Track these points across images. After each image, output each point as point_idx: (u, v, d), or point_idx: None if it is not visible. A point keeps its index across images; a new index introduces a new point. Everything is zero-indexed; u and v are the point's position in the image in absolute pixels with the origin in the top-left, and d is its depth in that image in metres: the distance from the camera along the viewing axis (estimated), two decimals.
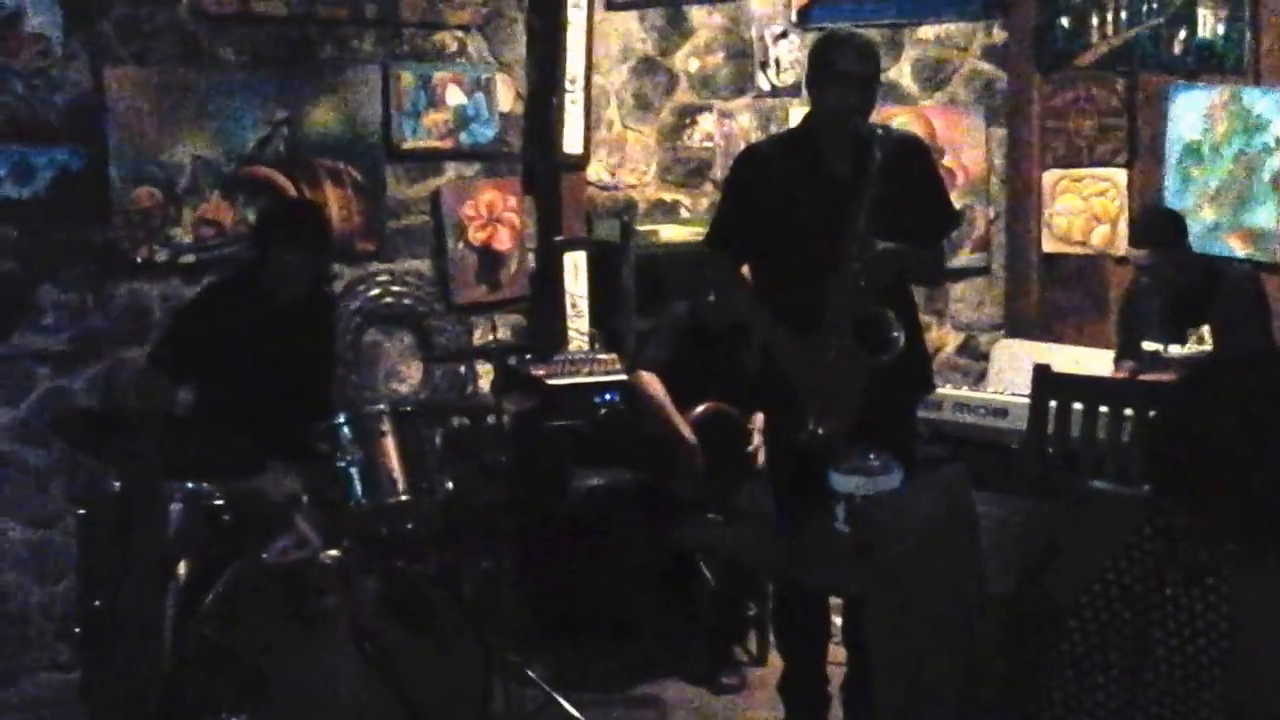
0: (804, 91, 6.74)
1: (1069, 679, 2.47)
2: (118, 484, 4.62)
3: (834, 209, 4.38)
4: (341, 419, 4.76)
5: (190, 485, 4.52)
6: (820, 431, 4.31)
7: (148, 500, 4.39)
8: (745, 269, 4.77)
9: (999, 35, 7.23)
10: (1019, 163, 7.26)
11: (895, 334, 4.34)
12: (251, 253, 5.15)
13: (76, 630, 4.71)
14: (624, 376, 5.90)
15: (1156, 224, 5.93)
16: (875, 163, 4.30)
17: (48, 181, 5.62)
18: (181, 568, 4.47)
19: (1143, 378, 5.72)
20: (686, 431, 5.56)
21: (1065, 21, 6.91)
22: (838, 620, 5.07)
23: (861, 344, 4.33)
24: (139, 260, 5.78)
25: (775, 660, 5.04)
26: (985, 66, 7.25)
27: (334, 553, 4.48)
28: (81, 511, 4.77)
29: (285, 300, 4.96)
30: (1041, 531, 3.39)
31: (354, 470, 4.68)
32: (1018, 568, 2.83)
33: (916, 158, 4.67)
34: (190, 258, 5.85)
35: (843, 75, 4.40)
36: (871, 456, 3.81)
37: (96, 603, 4.59)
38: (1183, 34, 6.46)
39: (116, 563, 4.54)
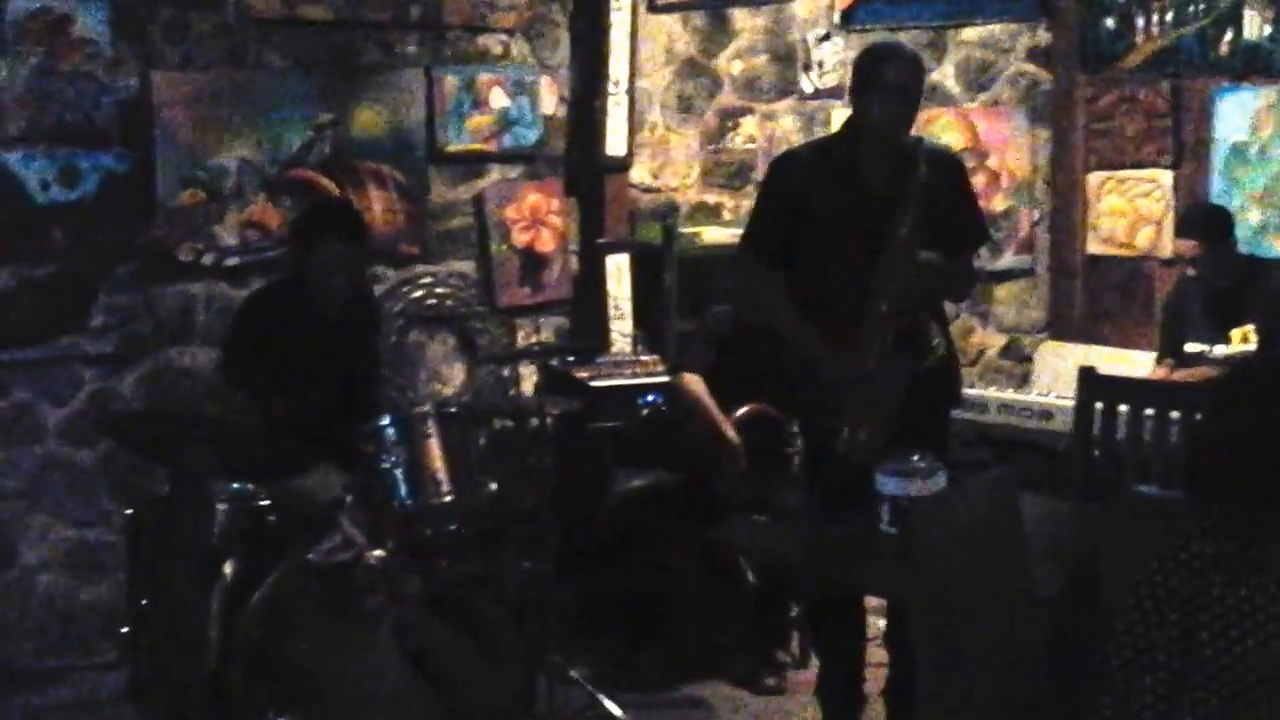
0: (846, 96, 6.85)
1: (1116, 681, 2.46)
2: (165, 484, 4.66)
3: (871, 219, 4.38)
4: (386, 421, 4.76)
5: (236, 486, 4.54)
6: (859, 438, 4.32)
7: (195, 500, 4.43)
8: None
9: (1043, 36, 7.19)
10: (1063, 164, 7.22)
11: (935, 341, 4.34)
12: (292, 253, 5.11)
13: (124, 629, 4.74)
14: (667, 378, 5.91)
15: (1204, 217, 5.92)
16: (920, 176, 4.30)
17: (95, 184, 5.67)
18: (227, 567, 4.48)
19: (1180, 376, 5.70)
20: (730, 431, 5.55)
21: (1110, 22, 6.87)
22: (879, 622, 5.07)
23: (901, 351, 4.33)
24: (185, 262, 5.82)
25: (817, 662, 5.04)
26: (1030, 68, 7.22)
27: (378, 553, 4.49)
28: (129, 511, 4.80)
29: (329, 301, 4.97)
30: (1087, 534, 3.39)
31: (398, 472, 4.68)
32: (1064, 570, 2.83)
33: (953, 173, 4.68)
34: (235, 260, 5.89)
35: (890, 87, 4.39)
36: (916, 458, 3.81)
37: (144, 602, 4.63)
38: (1229, 35, 6.42)
39: (163, 562, 4.58)
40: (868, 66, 4.52)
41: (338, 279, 4.90)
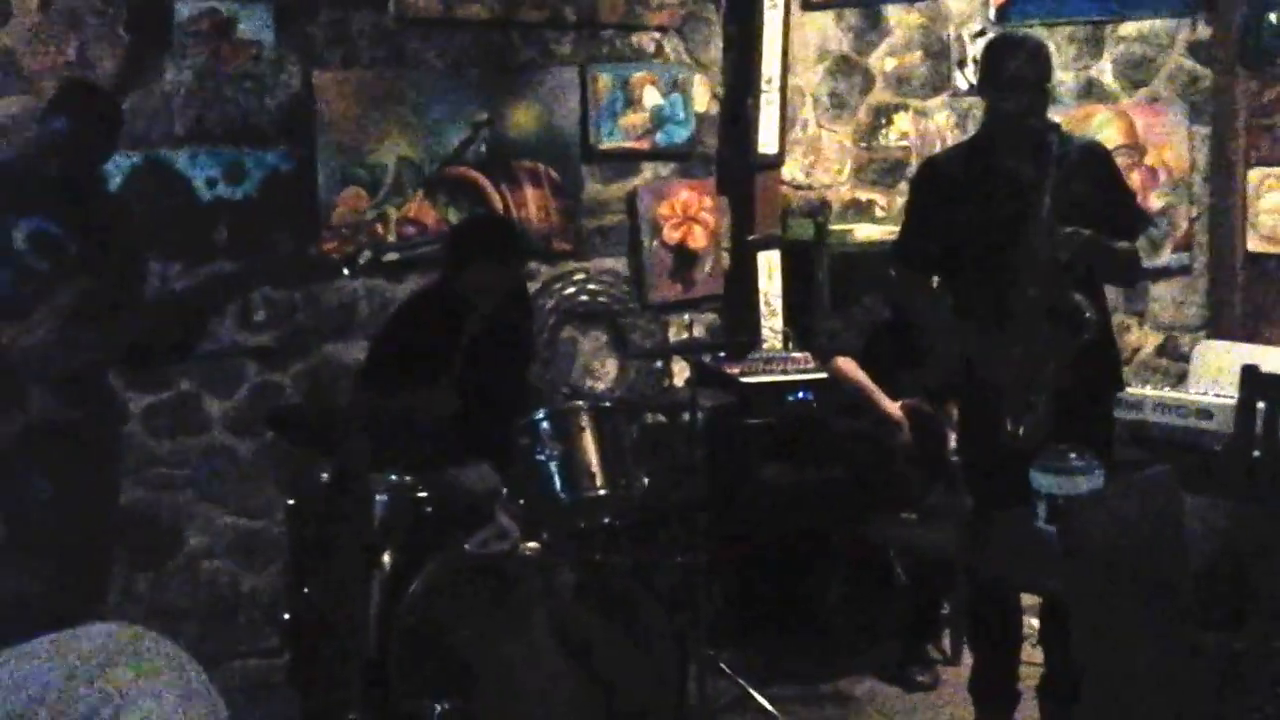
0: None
1: None
2: (326, 475, 4.75)
3: (1018, 210, 4.38)
4: (541, 415, 4.83)
5: (395, 478, 4.63)
6: (1021, 432, 4.31)
7: (355, 492, 4.51)
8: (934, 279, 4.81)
9: (1203, 31, 7.09)
10: (1223, 161, 7.12)
11: (1089, 316, 4.32)
12: (445, 270, 5.13)
13: (286, 617, 4.83)
14: (818, 375, 5.91)
15: None
16: (1051, 154, 4.30)
17: (259, 182, 5.79)
18: (386, 557, 4.56)
19: None
20: (892, 407, 5.55)
21: (1273, 18, 6.74)
22: (1033, 621, 5.04)
23: (1056, 331, 4.32)
24: (344, 258, 5.91)
25: (969, 659, 5.02)
26: (1189, 63, 7.12)
27: (533, 545, 4.56)
28: (291, 501, 4.90)
29: (482, 310, 5.02)
30: (1249, 535, 3.34)
31: (553, 465, 4.75)
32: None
33: (1098, 161, 4.67)
34: (394, 256, 5.97)
35: (1014, 79, 4.40)
36: (1073, 456, 3.78)
37: (305, 590, 4.72)
38: None
39: (324, 552, 4.67)
40: (990, 61, 4.56)
41: (488, 296, 4.95)
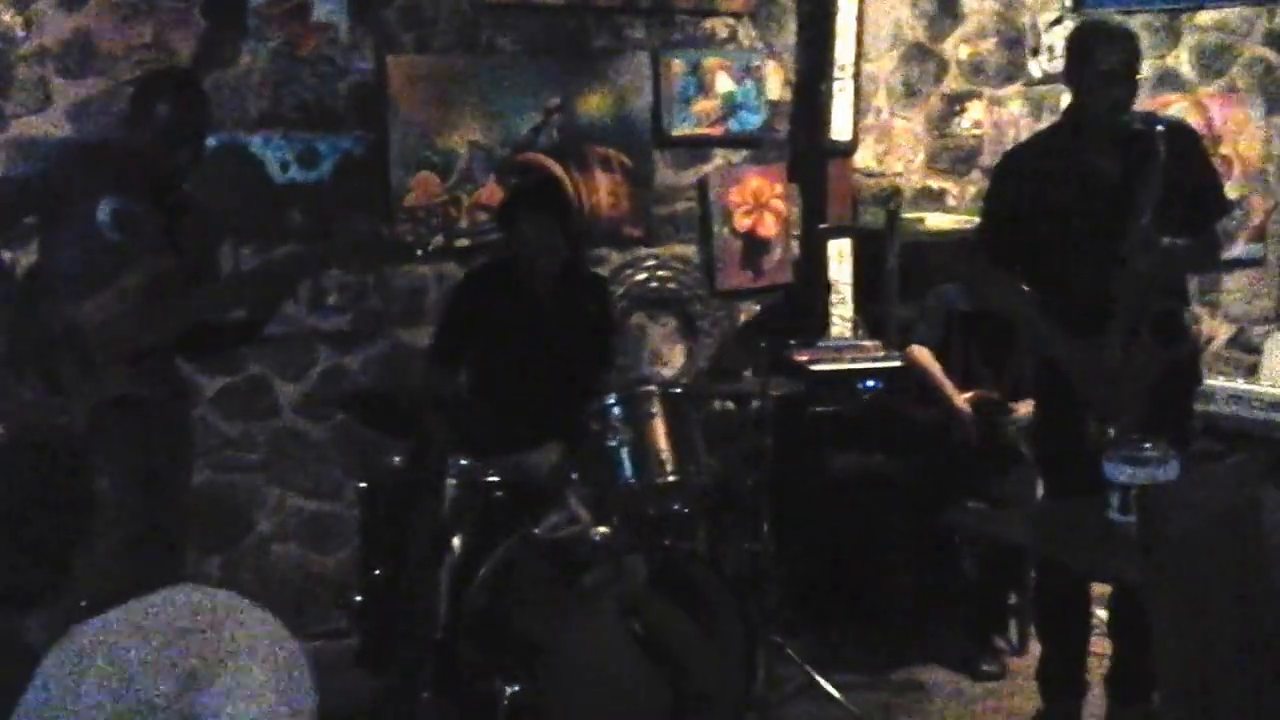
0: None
1: None
2: (397, 458, 4.78)
3: (1104, 204, 4.32)
4: (612, 399, 4.82)
5: (465, 462, 4.65)
6: (1110, 433, 4.23)
7: (427, 476, 4.53)
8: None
9: None
10: None
11: (1189, 328, 4.27)
12: (500, 229, 5.33)
13: (356, 599, 4.86)
14: (887, 363, 5.90)
15: None
16: (1159, 160, 4.21)
17: (332, 166, 5.82)
18: (456, 541, 4.58)
19: None
20: (960, 403, 5.54)
21: None
22: (1099, 612, 5.02)
23: (1155, 340, 4.26)
24: (415, 243, 5.93)
25: (1036, 649, 5.00)
26: (1266, 52, 7.04)
27: (603, 530, 4.56)
28: (362, 485, 4.93)
29: (537, 277, 5.08)
30: None
31: (624, 450, 4.74)
32: None
33: (1189, 145, 4.58)
34: (465, 241, 5.99)
35: (1104, 70, 4.31)
36: (1148, 446, 3.75)
37: (375, 572, 4.75)
38: None
39: (395, 535, 4.70)
40: (1078, 50, 4.44)
41: (537, 252, 5.03)
